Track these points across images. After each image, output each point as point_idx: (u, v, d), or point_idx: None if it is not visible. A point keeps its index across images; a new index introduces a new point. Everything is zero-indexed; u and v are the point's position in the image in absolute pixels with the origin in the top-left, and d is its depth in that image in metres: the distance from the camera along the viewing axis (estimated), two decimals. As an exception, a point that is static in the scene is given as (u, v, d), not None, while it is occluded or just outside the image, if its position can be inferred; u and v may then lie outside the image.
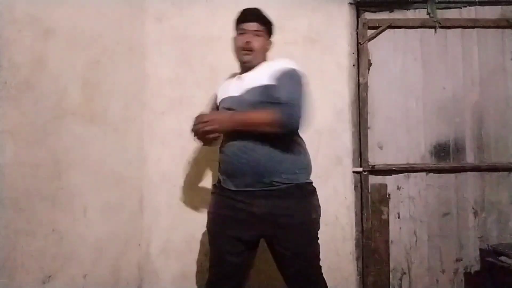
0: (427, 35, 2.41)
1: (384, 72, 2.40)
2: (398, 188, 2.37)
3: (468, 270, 2.34)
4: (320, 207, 1.62)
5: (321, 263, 1.60)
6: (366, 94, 2.37)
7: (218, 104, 1.73)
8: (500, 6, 2.41)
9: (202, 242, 2.24)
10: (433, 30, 2.40)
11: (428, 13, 2.40)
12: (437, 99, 2.39)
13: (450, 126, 2.39)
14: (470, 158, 2.39)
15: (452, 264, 2.35)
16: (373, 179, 2.36)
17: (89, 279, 1.74)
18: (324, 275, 1.60)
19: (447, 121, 2.39)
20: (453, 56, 2.41)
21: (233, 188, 1.55)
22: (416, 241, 2.36)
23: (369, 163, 2.33)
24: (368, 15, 2.42)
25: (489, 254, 2.07)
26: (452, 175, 2.37)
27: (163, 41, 2.29)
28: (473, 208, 2.36)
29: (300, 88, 1.52)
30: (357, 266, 2.32)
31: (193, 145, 2.25)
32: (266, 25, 1.69)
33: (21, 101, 1.40)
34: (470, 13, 2.42)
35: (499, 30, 2.41)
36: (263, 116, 1.47)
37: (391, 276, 2.34)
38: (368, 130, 2.36)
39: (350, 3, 2.37)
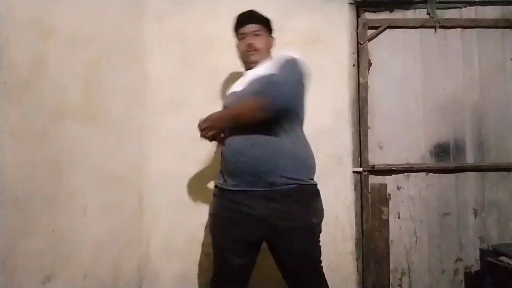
0: (427, 35, 2.41)
1: (384, 72, 2.40)
2: (398, 188, 2.37)
3: (468, 270, 2.34)
4: (322, 210, 1.59)
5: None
6: (366, 94, 2.37)
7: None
8: (500, 6, 2.41)
9: (202, 242, 2.24)
10: (433, 30, 2.40)
11: (428, 13, 2.40)
12: (437, 99, 2.39)
13: (450, 126, 2.39)
14: (470, 158, 2.39)
15: (452, 264, 2.35)
16: (373, 179, 2.36)
17: (89, 279, 1.74)
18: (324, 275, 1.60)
19: (447, 121, 2.39)
20: (453, 56, 2.41)
21: (232, 188, 1.53)
22: (416, 241, 2.36)
23: (369, 163, 2.33)
24: (368, 15, 2.42)
25: (489, 254, 2.07)
26: (452, 175, 2.37)
27: (163, 41, 2.29)
28: (473, 208, 2.36)
29: (293, 71, 1.51)
30: (357, 266, 2.32)
31: (193, 145, 2.25)
32: (264, 24, 1.70)
33: (21, 101, 1.40)
34: (470, 13, 2.42)
35: (499, 30, 2.41)
36: (245, 105, 1.46)
37: (391, 276, 2.34)
38: (368, 130, 2.36)
39: (350, 3, 2.37)
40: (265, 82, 1.48)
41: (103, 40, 1.89)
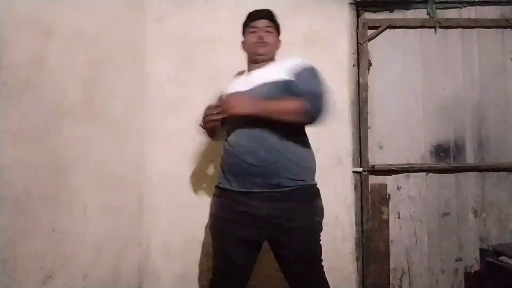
0: (427, 35, 2.41)
1: (384, 72, 2.40)
2: (398, 188, 2.37)
3: (468, 270, 2.34)
4: (323, 209, 1.61)
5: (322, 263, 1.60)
6: (366, 94, 2.37)
7: None
8: (500, 6, 2.41)
9: (202, 242, 2.24)
10: (433, 30, 2.40)
11: (428, 13, 2.40)
12: (437, 99, 2.39)
13: (450, 126, 2.39)
14: (470, 158, 2.38)
15: (452, 264, 2.35)
16: (373, 179, 2.36)
17: (89, 279, 1.74)
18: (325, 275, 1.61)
19: (447, 121, 2.39)
20: (453, 56, 2.41)
21: (236, 189, 1.52)
22: (416, 241, 2.36)
23: (369, 163, 2.33)
24: (368, 15, 2.42)
25: (489, 254, 2.07)
26: (452, 175, 2.37)
27: (163, 41, 2.29)
28: (473, 208, 2.36)
29: (322, 84, 1.56)
30: (357, 266, 2.32)
31: (193, 145, 2.25)
32: (276, 24, 1.71)
33: (21, 101, 1.40)
34: (470, 13, 2.42)
35: (499, 30, 2.41)
36: (291, 104, 1.47)
37: (391, 276, 2.34)
38: (368, 130, 2.36)
39: (350, 3, 2.37)
40: (305, 91, 1.48)
41: (103, 40, 1.89)
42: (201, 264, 2.24)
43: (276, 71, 1.58)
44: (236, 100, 1.49)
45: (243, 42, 1.75)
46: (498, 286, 1.93)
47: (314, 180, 1.60)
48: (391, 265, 2.34)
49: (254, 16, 1.69)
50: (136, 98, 2.19)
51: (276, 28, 1.71)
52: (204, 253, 2.23)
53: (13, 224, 1.36)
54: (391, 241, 2.35)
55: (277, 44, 1.72)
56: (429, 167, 2.36)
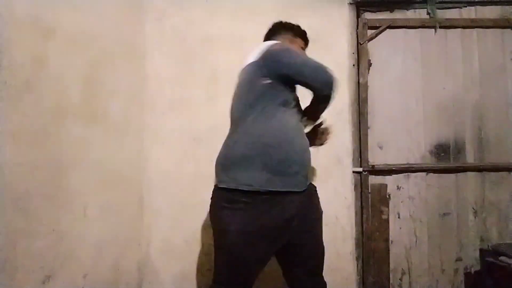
0: (427, 35, 2.41)
1: (384, 72, 2.40)
2: (398, 188, 2.37)
3: (468, 270, 2.34)
4: None
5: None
6: (366, 94, 2.37)
7: None
8: (500, 6, 2.41)
9: (202, 242, 2.24)
10: (433, 30, 2.40)
11: (428, 13, 2.40)
12: (437, 99, 2.39)
13: (450, 126, 2.39)
14: (470, 158, 2.38)
15: (452, 264, 2.35)
16: (373, 179, 2.36)
17: (89, 279, 1.74)
18: (324, 275, 1.61)
19: (447, 121, 2.39)
20: (453, 56, 2.41)
21: (279, 189, 1.32)
22: (416, 241, 2.36)
23: (369, 163, 2.33)
24: (368, 15, 2.42)
25: (489, 254, 2.07)
26: (452, 175, 2.37)
27: (163, 41, 2.29)
28: (473, 208, 2.36)
29: (297, 54, 1.52)
30: (357, 266, 2.32)
31: (193, 145, 2.25)
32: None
33: (21, 101, 1.40)
34: (470, 13, 2.42)
35: (499, 30, 2.41)
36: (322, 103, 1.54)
37: (391, 276, 2.34)
38: (368, 130, 2.36)
39: (350, 3, 2.37)
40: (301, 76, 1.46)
41: (103, 40, 1.89)
42: (201, 264, 2.24)
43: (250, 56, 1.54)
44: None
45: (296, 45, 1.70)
46: (498, 286, 1.93)
47: None
48: (391, 265, 2.34)
49: (306, 37, 1.73)
50: (136, 98, 2.19)
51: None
52: (204, 253, 2.23)
53: (13, 224, 1.36)
54: (391, 241, 2.35)
55: None
56: (429, 167, 2.36)
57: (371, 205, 2.34)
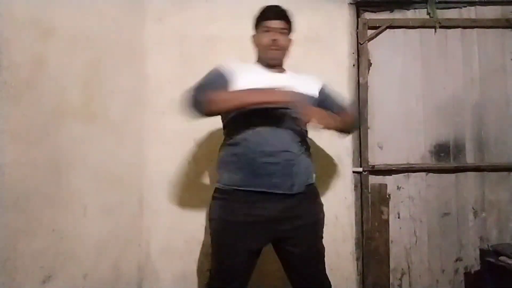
0: (427, 35, 2.41)
1: (384, 72, 2.40)
2: (398, 188, 2.37)
3: (468, 270, 2.34)
4: (323, 205, 1.66)
5: (322, 263, 1.61)
6: (366, 94, 2.37)
7: (231, 84, 1.54)
8: (500, 6, 2.41)
9: (202, 242, 2.24)
10: (433, 30, 2.40)
11: (428, 13, 2.40)
12: (437, 99, 2.39)
13: (450, 126, 2.39)
14: (470, 158, 2.38)
15: (452, 264, 2.35)
16: (373, 179, 2.36)
17: (89, 279, 1.74)
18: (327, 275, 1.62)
19: (447, 121, 2.39)
20: (453, 56, 2.41)
21: (252, 189, 1.46)
22: (416, 241, 2.36)
23: (369, 163, 2.33)
24: (368, 15, 2.42)
25: (489, 254, 2.07)
26: (452, 175, 2.37)
27: (163, 41, 2.29)
28: (473, 208, 2.36)
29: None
30: (357, 266, 2.32)
31: (193, 145, 2.25)
32: (290, 23, 1.65)
33: (21, 101, 1.40)
34: (470, 13, 2.42)
35: (499, 30, 2.41)
36: (347, 117, 1.63)
37: (391, 276, 2.34)
38: (368, 130, 2.36)
39: (350, 3, 2.37)
40: (345, 106, 1.71)
41: (103, 40, 1.89)
42: (201, 264, 2.24)
43: (309, 86, 1.63)
44: (316, 113, 1.46)
45: (254, 37, 1.69)
46: (498, 286, 1.93)
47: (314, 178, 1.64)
48: (391, 265, 2.34)
49: (269, 15, 1.61)
50: (136, 98, 2.19)
51: (290, 27, 1.65)
52: (204, 253, 2.23)
53: (13, 224, 1.36)
54: (391, 241, 2.35)
55: (290, 46, 1.68)
56: (429, 167, 2.36)
57: (371, 205, 2.34)
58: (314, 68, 2.26)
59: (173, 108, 2.27)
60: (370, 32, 2.39)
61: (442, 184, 2.36)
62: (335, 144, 2.28)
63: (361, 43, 2.37)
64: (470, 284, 2.32)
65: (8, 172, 1.34)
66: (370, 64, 2.40)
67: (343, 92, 2.30)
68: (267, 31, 1.61)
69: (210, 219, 1.60)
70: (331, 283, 1.64)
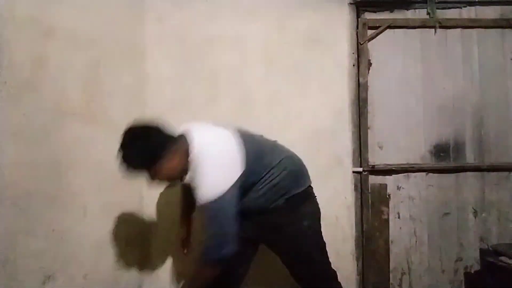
0: (427, 35, 2.41)
1: (384, 72, 2.40)
2: (398, 188, 2.37)
3: (468, 270, 2.34)
4: (314, 212, 1.65)
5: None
6: (366, 94, 2.36)
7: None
8: (500, 6, 2.41)
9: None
10: (433, 30, 2.40)
11: (428, 13, 2.40)
12: (437, 99, 2.39)
13: (450, 126, 2.39)
14: (470, 158, 2.38)
15: (452, 264, 2.35)
16: (373, 179, 2.36)
17: (89, 279, 1.74)
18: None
19: (447, 121, 2.39)
20: (453, 56, 2.41)
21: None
22: (416, 241, 2.36)
23: (369, 163, 2.33)
24: (368, 15, 2.42)
25: (489, 254, 2.07)
26: (452, 175, 2.37)
27: (163, 41, 2.29)
28: (473, 208, 2.36)
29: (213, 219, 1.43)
30: (357, 266, 2.32)
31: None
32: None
33: (21, 101, 1.40)
34: (470, 13, 2.41)
35: (499, 30, 2.40)
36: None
37: (391, 276, 2.34)
38: (368, 130, 2.36)
39: (350, 3, 2.37)
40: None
41: (103, 40, 1.89)
42: (201, 264, 2.23)
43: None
44: None
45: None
46: (498, 286, 1.93)
47: (300, 188, 1.59)
48: (391, 265, 2.34)
49: None
50: (136, 98, 2.19)
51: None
52: (204, 253, 2.22)
53: (13, 224, 1.36)
54: (391, 241, 2.35)
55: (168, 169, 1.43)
56: (429, 167, 2.36)
57: (371, 205, 2.34)
58: (314, 68, 2.28)
59: (173, 108, 2.28)
60: (370, 32, 2.39)
61: (442, 184, 2.36)
62: (335, 144, 2.28)
63: (361, 43, 2.37)
64: (470, 284, 2.32)
65: (8, 172, 1.34)
66: (370, 64, 2.40)
67: (343, 92, 2.31)
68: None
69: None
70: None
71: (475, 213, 2.36)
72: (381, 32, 2.39)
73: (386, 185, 2.37)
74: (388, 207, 2.36)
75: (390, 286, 2.34)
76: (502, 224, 2.36)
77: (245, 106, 2.26)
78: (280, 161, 1.55)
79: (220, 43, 2.26)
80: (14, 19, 1.37)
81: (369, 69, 2.39)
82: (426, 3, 2.39)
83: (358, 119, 2.35)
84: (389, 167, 2.35)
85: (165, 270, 2.24)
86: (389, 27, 2.39)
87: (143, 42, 2.26)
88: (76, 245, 1.66)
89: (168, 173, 1.42)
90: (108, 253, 1.91)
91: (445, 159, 2.38)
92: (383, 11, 2.41)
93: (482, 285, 2.12)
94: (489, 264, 2.01)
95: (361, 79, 2.37)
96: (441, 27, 2.39)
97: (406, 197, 2.37)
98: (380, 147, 2.39)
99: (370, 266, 2.32)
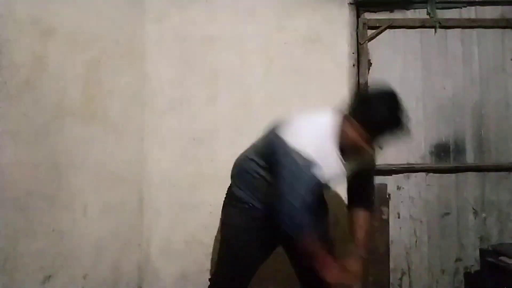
0: (427, 35, 2.41)
1: (384, 72, 2.40)
2: (398, 188, 2.37)
3: (468, 270, 2.34)
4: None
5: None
6: (366, 94, 2.36)
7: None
8: (500, 6, 2.41)
9: (202, 242, 2.24)
10: (433, 30, 2.40)
11: (428, 13, 2.40)
12: (437, 99, 2.39)
13: (450, 126, 2.39)
14: (470, 158, 2.38)
15: (452, 264, 2.35)
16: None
17: (89, 279, 1.74)
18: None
19: (447, 121, 2.39)
20: (453, 56, 2.40)
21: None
22: (416, 241, 2.36)
23: (369, 163, 2.33)
24: (368, 15, 2.41)
25: (489, 254, 2.06)
26: (452, 175, 2.36)
27: (163, 41, 2.29)
28: (473, 208, 2.36)
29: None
30: (357, 266, 2.31)
31: (193, 145, 2.25)
32: None
33: (21, 101, 1.40)
34: (470, 13, 2.41)
35: (499, 30, 2.40)
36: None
37: (391, 276, 2.34)
38: (368, 130, 2.36)
39: (350, 3, 2.37)
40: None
41: (103, 40, 1.89)
42: (201, 264, 2.23)
43: None
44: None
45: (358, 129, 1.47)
46: (498, 286, 1.93)
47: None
48: (391, 265, 2.34)
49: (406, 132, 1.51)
50: (136, 98, 2.19)
51: None
52: (204, 253, 2.22)
53: (13, 224, 1.36)
54: (391, 241, 2.35)
55: None
56: (429, 167, 2.36)
57: (371, 205, 2.34)
58: (314, 68, 2.28)
59: (173, 108, 2.28)
60: (370, 32, 2.38)
61: (442, 184, 2.36)
62: (335, 144, 2.28)
63: (361, 43, 2.37)
64: (470, 284, 2.32)
65: (8, 172, 1.34)
66: (370, 64, 2.40)
67: (343, 92, 2.31)
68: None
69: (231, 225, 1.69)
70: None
71: (475, 213, 2.36)
72: (381, 32, 2.39)
73: (386, 185, 2.36)
74: (388, 207, 2.36)
75: (390, 286, 2.33)
76: (502, 224, 2.36)
77: (245, 106, 2.26)
78: None
79: (219, 43, 2.26)
80: (14, 19, 1.38)
81: (369, 69, 2.39)
82: (426, 3, 2.39)
83: (358, 119, 2.35)
84: (389, 167, 2.35)
85: (165, 270, 2.24)
86: (389, 27, 2.39)
87: (143, 42, 2.26)
88: (76, 245, 1.67)
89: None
90: (108, 253, 1.91)
91: (445, 159, 2.38)
92: (383, 11, 2.41)
93: (482, 285, 2.11)
94: (489, 264, 2.01)
95: (361, 79, 2.37)
96: (441, 27, 2.39)
97: (406, 197, 2.37)
98: (380, 147, 2.38)
99: (370, 266, 2.31)
